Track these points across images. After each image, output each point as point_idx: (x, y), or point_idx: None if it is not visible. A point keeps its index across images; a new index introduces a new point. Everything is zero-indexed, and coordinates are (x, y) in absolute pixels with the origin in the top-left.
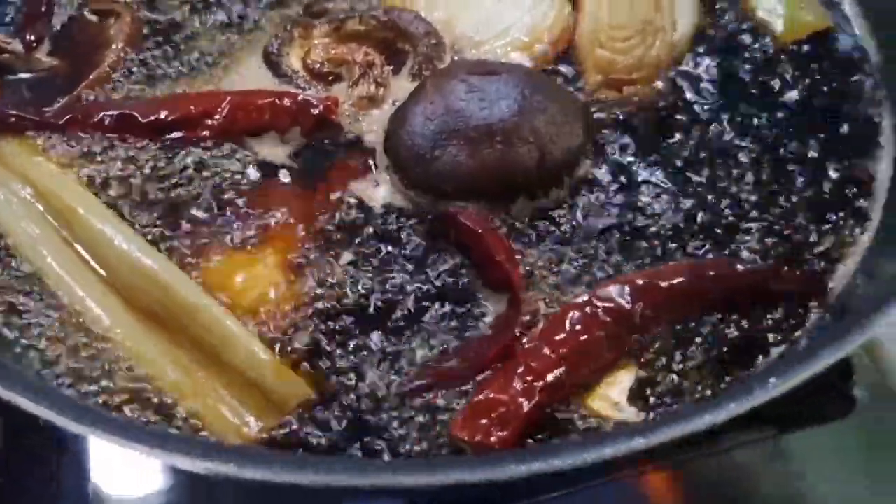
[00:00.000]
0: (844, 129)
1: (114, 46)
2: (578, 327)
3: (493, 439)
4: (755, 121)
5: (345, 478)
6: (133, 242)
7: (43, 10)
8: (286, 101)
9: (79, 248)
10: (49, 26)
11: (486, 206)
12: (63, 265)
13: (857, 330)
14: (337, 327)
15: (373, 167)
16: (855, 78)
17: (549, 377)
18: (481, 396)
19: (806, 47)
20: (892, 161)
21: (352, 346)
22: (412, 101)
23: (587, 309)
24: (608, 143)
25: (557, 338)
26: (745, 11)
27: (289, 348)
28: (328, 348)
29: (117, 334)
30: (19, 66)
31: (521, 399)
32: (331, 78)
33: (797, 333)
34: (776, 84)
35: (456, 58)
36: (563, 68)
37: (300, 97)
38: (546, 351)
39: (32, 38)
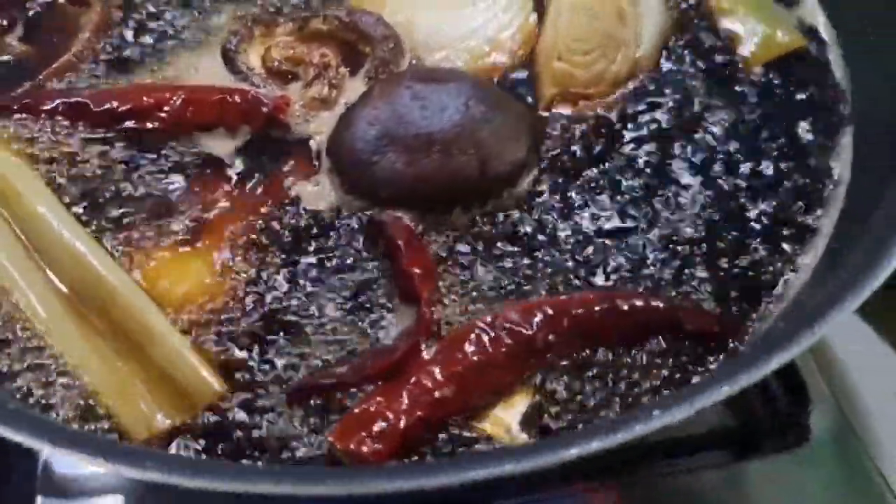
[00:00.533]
0: (803, 160)
1: (80, 36)
2: (477, 347)
3: (366, 450)
4: (711, 145)
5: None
6: (69, 227)
7: None
8: (237, 98)
9: (17, 230)
10: (23, 12)
11: (421, 214)
12: (4, 249)
13: (753, 368)
14: (255, 327)
15: (316, 169)
16: (820, 102)
17: (437, 394)
18: (364, 406)
19: (775, 68)
20: (841, 206)
21: (267, 347)
22: (358, 104)
23: (489, 330)
24: (554, 158)
25: (454, 355)
26: (717, 28)
27: (208, 345)
28: (245, 348)
29: (43, 316)
30: None
31: (401, 414)
32: (289, 77)
33: (703, 369)
34: (739, 107)
35: (414, 62)
36: (520, 78)
37: (251, 95)
38: (439, 367)
39: (4, 22)
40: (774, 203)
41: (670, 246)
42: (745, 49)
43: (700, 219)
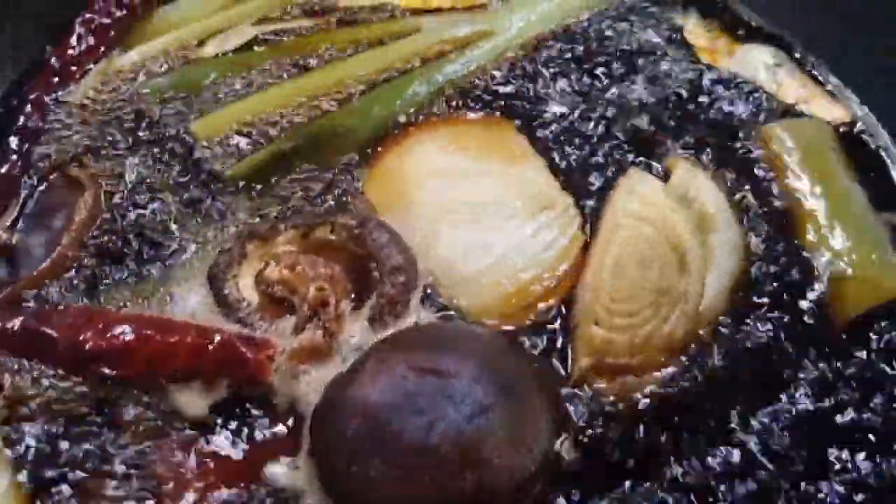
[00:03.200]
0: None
1: (65, 237)
2: None
3: None
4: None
5: None
6: None
7: (15, 172)
8: (214, 345)
9: None
10: (17, 196)
11: None
12: None
13: None
14: None
15: (297, 447)
16: None
17: None
18: None
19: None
20: None
21: None
22: (343, 388)
23: None
24: (576, 462)
25: None
26: (806, 265)
27: None
28: None
29: None
30: None
31: None
32: (284, 304)
33: None
34: (830, 384)
35: (429, 291)
36: (550, 329)
37: (231, 341)
38: None
39: None
40: None
41: None
42: (838, 294)
43: None
